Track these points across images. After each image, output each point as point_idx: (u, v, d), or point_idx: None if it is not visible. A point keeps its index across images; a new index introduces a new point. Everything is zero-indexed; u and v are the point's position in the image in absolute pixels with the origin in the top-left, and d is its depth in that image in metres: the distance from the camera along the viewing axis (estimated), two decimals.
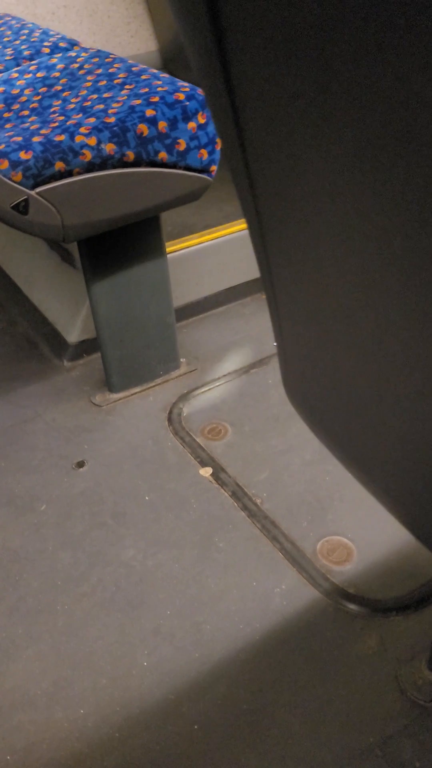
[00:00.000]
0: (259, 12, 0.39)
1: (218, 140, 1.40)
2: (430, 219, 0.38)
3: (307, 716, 1.09)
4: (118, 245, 1.52)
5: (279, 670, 1.16)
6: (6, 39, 1.86)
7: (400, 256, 0.43)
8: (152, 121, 1.32)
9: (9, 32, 1.89)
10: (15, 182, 1.25)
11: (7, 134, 1.34)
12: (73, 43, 1.80)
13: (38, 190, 1.28)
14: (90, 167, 1.30)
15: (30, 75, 1.59)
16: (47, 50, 1.77)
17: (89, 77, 1.51)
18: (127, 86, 1.42)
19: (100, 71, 1.52)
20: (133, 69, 1.49)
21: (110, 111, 1.33)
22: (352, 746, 1.06)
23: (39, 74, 1.59)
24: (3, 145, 1.27)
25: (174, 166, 1.37)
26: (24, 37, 1.84)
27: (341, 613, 1.22)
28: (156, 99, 1.34)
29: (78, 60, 1.61)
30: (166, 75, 1.45)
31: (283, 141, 0.46)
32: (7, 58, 1.76)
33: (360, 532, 1.34)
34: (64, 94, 1.47)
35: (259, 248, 0.61)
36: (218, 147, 1.41)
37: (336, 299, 0.55)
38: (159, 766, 1.06)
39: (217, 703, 1.12)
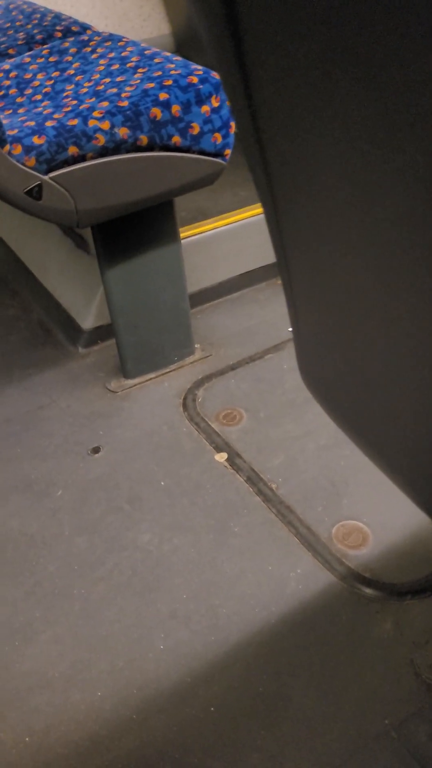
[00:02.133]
0: None
1: (232, 124, 1.40)
2: None
3: (322, 699, 1.10)
4: (132, 230, 1.52)
5: (294, 654, 1.16)
6: (18, 23, 1.85)
7: (416, 239, 0.43)
8: (166, 105, 1.32)
9: (21, 16, 1.89)
10: (28, 167, 1.25)
11: (20, 119, 1.34)
12: (85, 27, 1.79)
13: (52, 175, 1.27)
14: (103, 152, 1.29)
15: (42, 59, 1.59)
16: (59, 34, 1.77)
17: (102, 61, 1.51)
18: (140, 70, 1.42)
19: (112, 55, 1.52)
20: (146, 52, 1.49)
21: (123, 95, 1.33)
22: (367, 729, 1.06)
23: (51, 58, 1.58)
24: (16, 130, 1.27)
25: (188, 150, 1.37)
26: (36, 21, 1.84)
27: (357, 597, 1.22)
28: (169, 82, 1.34)
29: (90, 44, 1.61)
30: (179, 58, 1.45)
31: (298, 123, 0.46)
32: (20, 42, 1.75)
33: (375, 516, 1.34)
34: (77, 78, 1.47)
35: (274, 232, 0.61)
36: (232, 131, 1.41)
37: (351, 282, 0.55)
38: (175, 748, 1.07)
39: (233, 686, 1.13)
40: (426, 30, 0.32)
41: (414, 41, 0.33)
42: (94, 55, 1.55)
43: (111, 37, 1.62)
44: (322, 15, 0.37)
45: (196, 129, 1.35)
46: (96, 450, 1.56)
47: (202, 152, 1.39)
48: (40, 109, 1.38)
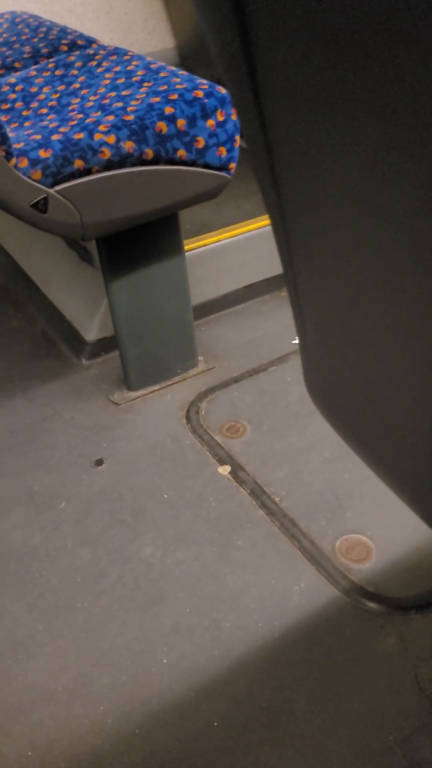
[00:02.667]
0: (284, 4, 0.39)
1: (237, 138, 1.40)
2: None
3: (326, 714, 1.09)
4: (137, 243, 1.52)
5: (298, 668, 1.15)
6: (24, 37, 1.86)
7: (425, 255, 0.43)
8: (171, 119, 1.32)
9: (27, 30, 1.90)
10: (34, 180, 1.26)
11: (26, 132, 1.34)
12: (90, 41, 1.80)
13: (57, 188, 1.28)
14: (109, 165, 1.30)
15: (48, 73, 1.60)
16: (65, 48, 1.78)
17: (107, 75, 1.51)
18: (145, 84, 1.42)
19: (118, 69, 1.53)
20: (152, 66, 1.49)
21: (129, 109, 1.34)
22: (371, 744, 1.05)
23: (57, 72, 1.59)
24: (22, 144, 1.28)
25: (193, 163, 1.37)
26: (42, 34, 1.85)
27: (360, 612, 1.22)
28: (175, 96, 1.34)
29: (96, 57, 1.61)
30: (184, 72, 1.45)
31: (308, 135, 0.46)
32: (26, 56, 1.76)
33: (379, 530, 1.34)
34: (83, 91, 1.48)
35: (282, 244, 0.61)
36: (237, 145, 1.41)
37: (359, 295, 0.55)
38: (178, 763, 1.06)
39: (236, 700, 1.12)
40: None
41: (426, 59, 0.33)
42: (99, 69, 1.55)
43: (116, 51, 1.63)
44: (335, 32, 0.37)
45: (201, 143, 1.36)
46: (99, 462, 1.56)
47: (207, 166, 1.39)
48: (45, 123, 1.38)
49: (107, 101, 1.39)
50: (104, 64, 1.58)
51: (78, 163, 1.28)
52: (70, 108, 1.42)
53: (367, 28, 0.35)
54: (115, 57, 1.59)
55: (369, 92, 0.38)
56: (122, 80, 1.47)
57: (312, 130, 0.45)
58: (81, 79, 1.54)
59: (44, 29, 1.88)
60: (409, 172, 0.39)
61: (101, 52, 1.64)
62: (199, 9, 0.46)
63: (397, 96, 0.36)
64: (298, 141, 0.47)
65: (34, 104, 1.48)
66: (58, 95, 1.50)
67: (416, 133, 0.37)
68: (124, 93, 1.41)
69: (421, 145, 0.37)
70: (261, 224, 1.92)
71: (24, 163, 1.25)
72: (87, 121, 1.33)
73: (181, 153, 1.35)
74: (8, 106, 1.51)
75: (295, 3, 0.38)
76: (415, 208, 0.41)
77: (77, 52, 1.67)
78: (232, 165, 1.43)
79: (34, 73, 1.62)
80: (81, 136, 1.29)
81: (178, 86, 1.37)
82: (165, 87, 1.38)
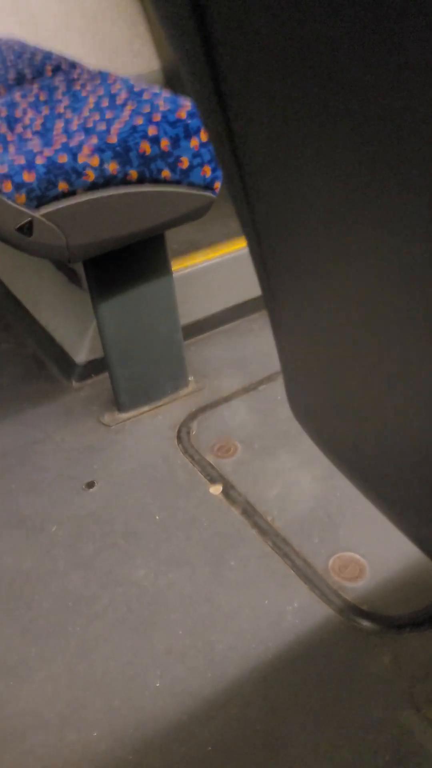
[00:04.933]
0: (248, 31, 0.39)
1: None
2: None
3: (321, 735, 1.08)
4: (124, 264, 1.52)
5: (292, 690, 1.14)
6: (9, 62, 1.87)
7: (401, 274, 0.43)
8: (155, 140, 1.32)
9: (11, 55, 1.90)
10: (19, 204, 1.26)
11: (10, 156, 1.35)
12: (74, 65, 1.80)
13: (42, 211, 1.28)
14: (93, 187, 1.30)
15: (33, 97, 1.60)
16: (50, 72, 1.78)
17: (91, 98, 1.52)
18: (129, 105, 1.43)
19: (102, 91, 1.53)
20: (135, 89, 1.50)
21: (113, 130, 1.34)
22: (367, 765, 1.04)
23: (42, 96, 1.60)
24: (6, 167, 1.28)
25: (177, 183, 1.38)
26: (26, 59, 1.86)
27: (354, 631, 1.21)
28: (158, 117, 1.35)
29: (80, 81, 1.62)
30: (167, 93, 1.46)
31: (278, 159, 0.46)
32: (10, 80, 1.77)
33: (372, 547, 1.33)
34: (67, 115, 1.48)
35: (258, 265, 0.61)
36: None
37: (337, 316, 0.54)
38: None
39: (230, 723, 1.11)
40: (416, 79, 0.32)
41: (399, 83, 0.33)
42: (83, 92, 1.56)
43: (100, 74, 1.63)
44: (302, 52, 0.37)
45: (185, 163, 1.36)
46: (90, 484, 1.55)
47: (191, 185, 1.39)
48: (30, 147, 1.38)
49: (91, 124, 1.40)
50: (88, 87, 1.58)
51: (62, 186, 1.28)
52: (54, 131, 1.42)
53: (334, 47, 0.35)
54: (98, 80, 1.60)
55: (339, 110, 0.38)
56: (106, 102, 1.47)
57: (282, 151, 0.45)
58: (65, 102, 1.54)
59: (28, 54, 1.89)
60: (383, 191, 0.39)
61: (85, 75, 1.65)
62: (168, 35, 0.46)
63: (370, 116, 0.36)
64: (269, 162, 0.47)
65: (18, 128, 1.48)
66: (42, 119, 1.50)
67: (391, 151, 0.37)
68: (107, 115, 1.41)
69: (396, 162, 0.37)
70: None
71: (8, 187, 1.25)
72: (71, 143, 1.33)
73: (166, 173, 1.35)
74: None
75: (259, 25, 0.38)
76: (393, 226, 0.41)
77: (61, 77, 1.68)
78: (217, 184, 1.43)
79: (18, 97, 1.62)
80: (65, 158, 1.29)
81: (161, 107, 1.38)
82: (148, 108, 1.39)
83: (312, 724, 1.10)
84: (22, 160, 1.30)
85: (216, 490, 1.49)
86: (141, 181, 1.34)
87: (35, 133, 1.45)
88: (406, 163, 0.36)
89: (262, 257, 0.59)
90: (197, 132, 1.36)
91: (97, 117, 1.42)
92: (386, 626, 1.21)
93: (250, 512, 1.43)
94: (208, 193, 1.42)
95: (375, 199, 0.40)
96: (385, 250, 0.43)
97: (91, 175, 1.29)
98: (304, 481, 1.49)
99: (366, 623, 1.21)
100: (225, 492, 1.49)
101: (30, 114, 1.53)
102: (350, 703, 1.12)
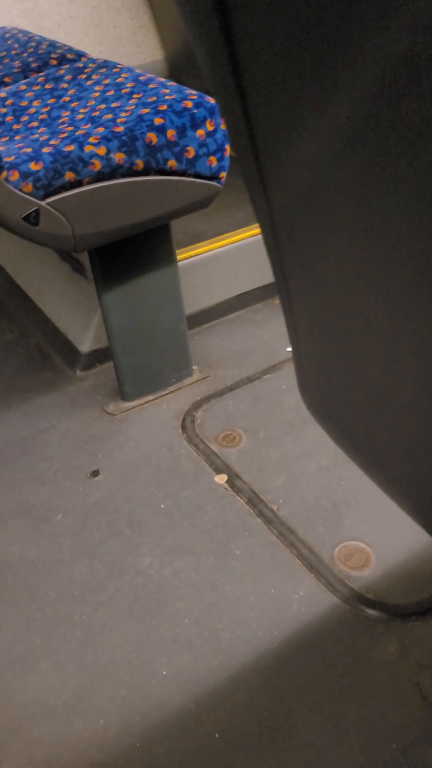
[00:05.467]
0: (270, 18, 0.39)
1: (227, 147, 1.40)
2: None
3: (327, 723, 1.09)
4: (129, 254, 1.52)
5: (298, 678, 1.15)
6: (14, 52, 1.86)
7: (419, 260, 0.43)
8: (161, 130, 1.32)
9: (17, 45, 1.90)
10: (25, 193, 1.26)
11: (17, 146, 1.34)
12: (80, 54, 1.80)
13: (49, 200, 1.28)
14: (100, 177, 1.30)
15: (38, 87, 1.60)
16: (55, 62, 1.78)
17: (97, 87, 1.52)
18: (135, 95, 1.42)
19: (107, 81, 1.53)
20: (141, 78, 1.50)
21: (119, 120, 1.34)
22: (374, 754, 1.05)
23: (47, 86, 1.59)
24: (13, 157, 1.28)
25: (183, 173, 1.37)
26: (31, 49, 1.85)
27: (360, 619, 1.21)
28: (164, 107, 1.35)
29: (85, 71, 1.62)
30: (173, 83, 1.46)
31: (296, 145, 0.46)
32: (15, 70, 1.77)
33: (378, 536, 1.34)
34: (73, 104, 1.48)
35: (273, 252, 0.61)
36: (227, 154, 1.41)
37: (352, 302, 0.54)
38: None
39: (236, 711, 1.12)
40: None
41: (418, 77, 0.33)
42: (89, 82, 1.56)
43: (105, 64, 1.63)
44: (323, 43, 0.37)
45: (191, 153, 1.36)
46: (95, 473, 1.56)
47: (197, 175, 1.39)
48: (36, 136, 1.38)
49: (97, 113, 1.40)
50: (94, 77, 1.58)
51: (69, 175, 1.28)
52: (61, 121, 1.42)
53: (352, 37, 0.35)
54: (104, 70, 1.60)
55: (359, 97, 0.38)
56: (112, 92, 1.47)
57: (301, 136, 0.45)
58: (71, 92, 1.54)
59: (34, 44, 1.88)
60: (406, 175, 0.39)
61: (90, 65, 1.65)
62: (186, 20, 0.46)
63: (387, 101, 0.36)
64: (285, 149, 0.47)
65: (25, 118, 1.48)
66: (48, 108, 1.50)
67: (412, 132, 0.37)
68: (113, 105, 1.41)
69: (419, 143, 0.37)
70: (253, 233, 1.92)
71: (15, 176, 1.25)
72: (77, 133, 1.33)
73: (172, 163, 1.35)
74: None
75: (280, 13, 0.38)
76: (413, 212, 0.41)
77: (67, 66, 1.67)
78: (223, 174, 1.43)
79: (24, 87, 1.62)
80: (71, 148, 1.29)
81: (167, 97, 1.38)
82: (154, 98, 1.38)
83: (318, 712, 1.10)
84: (28, 150, 1.30)
85: (221, 479, 1.50)
86: (147, 170, 1.34)
87: (41, 122, 1.44)
88: (427, 145, 0.36)
89: (276, 243, 0.59)
90: (203, 122, 1.35)
91: (103, 107, 1.42)
92: (392, 615, 1.21)
93: (255, 501, 1.44)
94: (213, 183, 1.42)
95: (395, 183, 0.40)
96: (403, 235, 0.43)
97: (97, 165, 1.29)
98: (309, 470, 1.49)
99: (372, 612, 1.22)
100: (230, 481, 1.49)
101: (36, 104, 1.53)
102: (356, 692, 1.12)
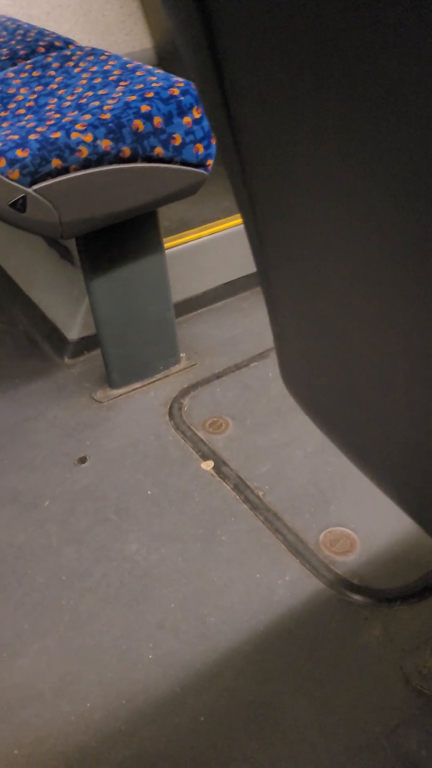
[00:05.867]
0: (248, 8, 0.40)
1: (213, 134, 1.40)
2: (426, 207, 0.39)
3: (312, 707, 1.10)
4: (116, 241, 1.53)
5: (284, 662, 1.16)
6: (1, 39, 1.86)
7: (397, 245, 0.44)
8: (147, 117, 1.32)
9: (4, 33, 1.89)
10: (12, 180, 1.26)
11: (3, 133, 1.34)
12: (68, 42, 1.80)
13: (35, 187, 1.28)
14: (86, 164, 1.30)
15: (26, 74, 1.60)
16: (43, 50, 1.78)
17: (84, 75, 1.51)
18: (122, 83, 1.42)
19: (95, 69, 1.53)
20: (128, 66, 1.50)
21: (105, 107, 1.34)
22: (358, 737, 1.06)
23: (35, 73, 1.59)
24: (0, 144, 1.28)
25: (170, 161, 1.38)
26: (19, 37, 1.85)
27: (345, 604, 1.22)
28: (151, 95, 1.35)
29: (73, 58, 1.61)
30: (160, 71, 1.46)
31: (275, 134, 0.46)
32: (3, 58, 1.76)
33: (363, 522, 1.35)
34: (60, 92, 1.48)
35: (253, 239, 0.61)
36: (214, 141, 1.42)
37: (332, 288, 0.55)
38: (166, 758, 1.07)
39: (222, 694, 1.13)
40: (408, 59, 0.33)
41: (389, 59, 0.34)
42: (76, 69, 1.55)
43: (93, 52, 1.63)
44: (302, 31, 0.38)
45: (178, 140, 1.36)
46: (83, 460, 1.56)
47: (184, 163, 1.39)
48: (23, 123, 1.38)
49: (84, 101, 1.40)
50: (81, 64, 1.58)
51: (56, 162, 1.28)
52: (48, 108, 1.42)
53: (333, 26, 0.36)
54: (92, 57, 1.60)
55: (336, 86, 0.39)
56: (99, 80, 1.47)
57: (279, 122, 0.45)
58: (58, 79, 1.54)
59: (22, 32, 1.88)
60: (381, 163, 0.40)
61: (78, 53, 1.64)
62: (168, 9, 0.46)
63: (367, 88, 0.37)
64: (265, 134, 0.48)
65: (12, 105, 1.48)
66: (35, 96, 1.49)
67: (388, 123, 0.37)
68: (100, 92, 1.41)
69: (392, 133, 0.37)
70: (240, 221, 1.92)
71: (2, 163, 1.25)
72: (64, 120, 1.33)
73: (158, 150, 1.35)
74: None
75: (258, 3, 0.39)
76: (389, 198, 0.41)
77: (54, 54, 1.67)
78: (210, 162, 1.43)
79: (11, 74, 1.61)
80: (58, 135, 1.29)
81: (154, 84, 1.38)
82: (141, 86, 1.38)
83: (303, 696, 1.11)
84: (15, 137, 1.30)
85: (208, 465, 1.51)
86: (134, 158, 1.34)
87: (29, 110, 1.44)
88: (401, 137, 0.37)
89: (257, 231, 0.59)
90: (190, 109, 1.36)
91: (90, 94, 1.42)
92: (377, 599, 1.22)
93: (241, 488, 1.45)
94: (200, 171, 1.43)
95: (370, 171, 0.41)
96: (382, 222, 0.43)
97: (84, 152, 1.29)
98: (295, 457, 1.50)
99: (357, 597, 1.23)
100: (217, 468, 1.50)
101: (23, 91, 1.52)
102: (341, 676, 1.13)
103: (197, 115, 1.36)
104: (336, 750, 1.05)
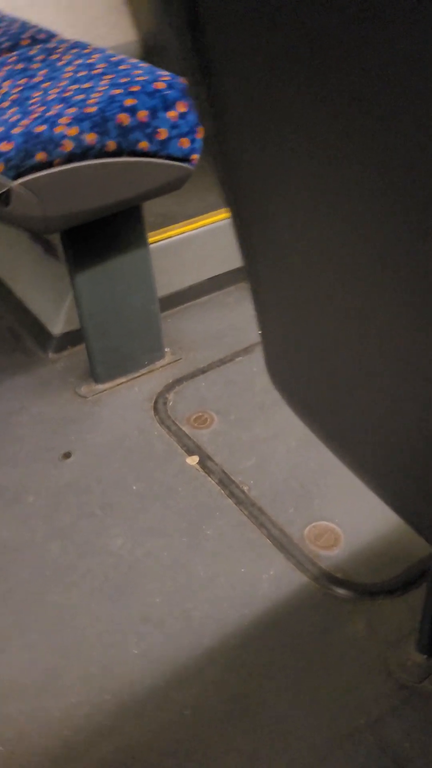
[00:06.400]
0: (236, 7, 0.40)
1: (199, 129, 1.40)
2: (408, 204, 0.39)
3: (297, 699, 1.10)
4: (101, 236, 1.52)
5: (268, 655, 1.16)
6: None
7: (379, 241, 0.44)
8: (132, 111, 1.32)
9: None
10: None
11: None
12: (52, 35, 1.79)
13: (20, 181, 1.27)
14: (71, 157, 1.30)
15: (9, 67, 1.59)
16: (26, 42, 1.77)
17: (69, 68, 1.51)
18: (106, 76, 1.42)
19: (79, 62, 1.52)
20: (113, 59, 1.49)
21: (90, 101, 1.33)
22: (342, 728, 1.07)
23: (18, 66, 1.58)
24: None
25: (155, 155, 1.37)
26: (2, 29, 1.83)
27: (329, 598, 1.23)
28: (136, 88, 1.34)
29: (57, 51, 1.61)
30: (145, 65, 1.45)
31: (260, 122, 0.47)
32: None
33: (347, 516, 1.35)
34: (44, 85, 1.47)
35: (240, 233, 0.61)
36: (199, 136, 1.41)
37: (317, 283, 0.55)
38: (151, 753, 1.07)
39: (207, 688, 1.13)
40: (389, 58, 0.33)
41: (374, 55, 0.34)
42: (60, 62, 1.55)
43: (78, 45, 1.62)
44: (288, 27, 0.38)
45: (163, 134, 1.36)
46: (67, 455, 1.56)
47: (169, 157, 1.39)
48: (7, 116, 1.37)
49: (69, 94, 1.39)
50: (65, 57, 1.57)
51: (40, 156, 1.27)
52: (32, 101, 1.41)
53: (321, 22, 0.36)
54: (76, 50, 1.59)
55: (321, 85, 0.39)
56: (83, 73, 1.46)
57: (264, 117, 0.45)
58: (42, 72, 1.53)
59: (5, 24, 1.86)
60: (363, 161, 0.40)
61: (62, 45, 1.64)
62: (156, 9, 0.46)
63: (354, 86, 0.37)
64: (251, 128, 0.48)
65: None
66: (19, 89, 1.49)
67: (370, 120, 0.37)
68: (85, 86, 1.41)
69: (377, 132, 0.37)
70: (225, 216, 1.92)
71: None
72: (48, 113, 1.32)
73: (143, 144, 1.35)
74: None
75: None
76: (372, 195, 0.41)
77: (38, 46, 1.66)
78: (195, 156, 1.43)
79: None
80: (43, 128, 1.28)
81: (139, 78, 1.37)
82: (126, 79, 1.38)
83: (288, 688, 1.12)
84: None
85: (192, 460, 1.51)
86: (119, 151, 1.33)
87: (13, 102, 1.43)
88: (384, 133, 0.37)
89: (243, 226, 0.59)
90: (175, 103, 1.35)
91: (74, 87, 1.41)
92: (360, 593, 1.23)
93: (226, 482, 1.45)
94: (185, 165, 1.42)
95: (354, 168, 0.41)
96: (364, 219, 0.44)
97: (68, 146, 1.28)
98: (279, 452, 1.50)
99: (341, 590, 1.23)
100: (201, 462, 1.50)
101: (7, 84, 1.51)
102: (325, 668, 1.14)
103: (183, 110, 1.36)
104: (320, 740, 1.06)
